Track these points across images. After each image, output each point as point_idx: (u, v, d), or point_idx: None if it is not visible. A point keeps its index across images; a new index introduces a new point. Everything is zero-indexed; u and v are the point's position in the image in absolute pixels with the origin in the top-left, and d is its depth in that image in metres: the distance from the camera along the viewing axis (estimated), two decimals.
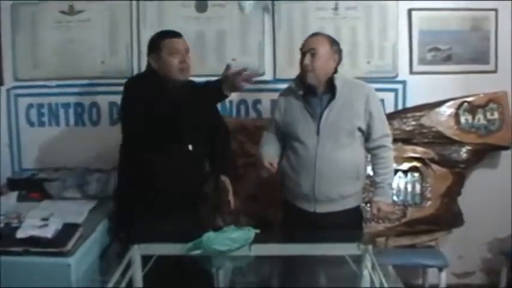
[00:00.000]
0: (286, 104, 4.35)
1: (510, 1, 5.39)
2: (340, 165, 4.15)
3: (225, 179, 4.43)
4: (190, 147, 4.22)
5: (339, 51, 4.29)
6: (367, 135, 4.26)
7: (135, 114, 4.01)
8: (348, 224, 4.22)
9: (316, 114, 4.20)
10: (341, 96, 4.18)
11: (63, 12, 5.45)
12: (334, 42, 4.26)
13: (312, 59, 4.13)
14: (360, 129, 4.21)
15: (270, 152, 4.30)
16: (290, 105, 4.32)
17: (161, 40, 4.14)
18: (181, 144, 4.19)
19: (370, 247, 3.74)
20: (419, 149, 5.33)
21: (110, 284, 3.31)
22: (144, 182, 4.13)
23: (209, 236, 3.70)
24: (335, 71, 4.26)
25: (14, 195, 4.83)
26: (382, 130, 4.27)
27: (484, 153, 5.45)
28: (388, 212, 4.29)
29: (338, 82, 4.19)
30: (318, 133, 4.17)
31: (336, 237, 3.86)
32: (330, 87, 4.21)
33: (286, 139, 4.35)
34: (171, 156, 4.13)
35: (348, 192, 4.25)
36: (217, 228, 3.87)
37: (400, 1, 5.43)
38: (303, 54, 4.19)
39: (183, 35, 4.23)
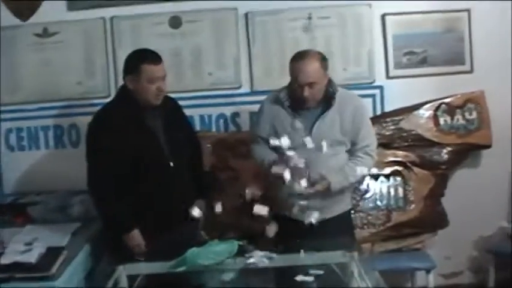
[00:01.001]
0: (274, 114, 4.30)
1: (482, 1, 5.42)
2: (330, 174, 4.13)
3: (200, 203, 4.43)
4: (171, 164, 4.24)
5: (327, 61, 4.25)
6: (352, 144, 4.24)
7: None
8: (339, 229, 4.21)
9: (307, 126, 4.17)
10: (332, 107, 4.18)
11: (37, 34, 5.43)
12: (322, 58, 4.21)
13: (311, 90, 4.08)
14: (348, 139, 4.21)
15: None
16: (278, 116, 4.27)
17: (141, 64, 4.10)
18: (162, 161, 4.22)
19: (355, 254, 3.75)
20: (400, 152, 5.35)
21: None
22: (129, 199, 4.16)
23: (193, 251, 3.70)
24: (329, 82, 4.24)
25: None
26: (367, 140, 4.26)
27: (465, 153, 5.49)
28: (319, 185, 4.11)
29: (336, 95, 4.20)
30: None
31: (322, 245, 3.87)
32: (323, 99, 4.21)
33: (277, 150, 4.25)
34: (153, 174, 4.17)
35: (338, 198, 4.26)
36: (201, 243, 3.89)
37: (373, 7, 5.46)
38: (300, 86, 4.10)
39: (160, 57, 4.21)
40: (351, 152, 4.26)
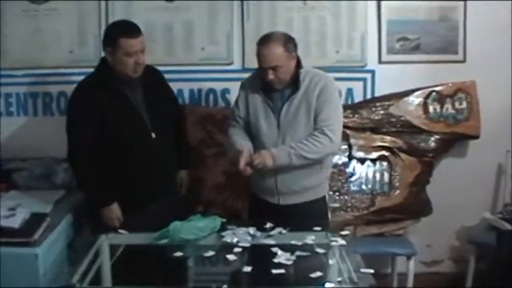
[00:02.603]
0: (248, 96, 4.30)
1: None
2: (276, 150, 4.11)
3: (183, 174, 4.65)
4: (153, 135, 4.27)
5: (295, 45, 4.18)
6: (314, 123, 4.16)
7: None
8: (313, 214, 4.22)
9: (276, 108, 4.18)
10: (300, 89, 4.17)
11: (30, 1, 5.39)
12: (287, 42, 4.13)
13: (275, 73, 4.06)
14: (314, 119, 4.16)
15: (245, 145, 4.20)
16: (252, 98, 4.28)
17: (118, 37, 4.10)
18: (144, 132, 4.24)
19: (338, 235, 3.79)
20: (387, 138, 5.35)
21: (78, 274, 3.29)
22: (111, 172, 4.18)
23: (176, 225, 3.71)
24: (298, 63, 4.22)
25: None
26: (329, 120, 4.12)
27: (452, 143, 5.50)
28: (264, 164, 4.05)
29: (301, 77, 4.17)
30: (278, 127, 4.16)
31: (303, 226, 3.91)
32: (292, 81, 4.19)
33: (251, 132, 4.31)
34: (135, 145, 4.20)
35: (311, 184, 4.25)
36: (184, 216, 3.91)
37: None
38: (264, 70, 4.10)
39: (140, 30, 4.22)
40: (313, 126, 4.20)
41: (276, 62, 4.04)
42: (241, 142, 4.22)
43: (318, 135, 4.07)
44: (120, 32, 4.14)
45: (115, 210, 4.20)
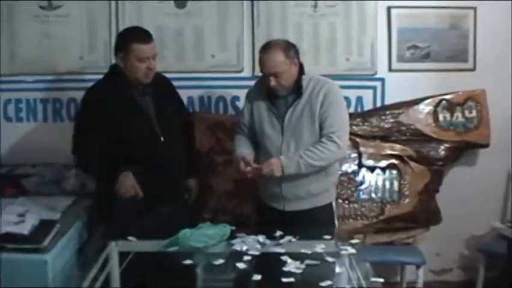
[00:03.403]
0: (253, 103, 4.35)
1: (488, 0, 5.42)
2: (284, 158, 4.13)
3: (192, 183, 4.66)
4: (162, 138, 4.29)
5: (296, 52, 4.23)
6: (320, 129, 4.18)
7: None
8: (319, 221, 4.22)
9: (280, 114, 4.22)
10: (304, 95, 4.20)
11: (41, 7, 5.40)
12: (288, 49, 4.18)
13: (277, 79, 4.11)
14: (320, 125, 4.18)
15: (244, 153, 4.25)
16: (257, 105, 4.32)
17: (131, 43, 4.16)
18: (152, 136, 4.26)
19: (348, 244, 3.77)
20: (397, 146, 5.34)
21: (87, 281, 3.30)
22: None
23: (185, 232, 3.71)
24: (301, 69, 4.26)
25: None
26: (334, 126, 4.15)
27: (462, 151, 5.49)
28: (272, 172, 4.07)
29: (305, 83, 4.20)
30: (282, 132, 4.19)
31: (310, 233, 3.91)
32: (295, 87, 4.22)
33: (256, 139, 4.35)
34: (144, 148, 4.21)
35: (316, 190, 4.25)
36: (192, 222, 3.93)
37: None
38: (266, 77, 4.15)
39: (152, 36, 4.27)
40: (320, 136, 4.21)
41: (276, 69, 4.09)
42: (240, 150, 4.28)
43: (326, 142, 4.09)
44: (133, 37, 4.19)
45: (129, 178, 4.15)
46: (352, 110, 5.37)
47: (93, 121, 4.17)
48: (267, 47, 4.18)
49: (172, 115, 4.41)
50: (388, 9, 5.45)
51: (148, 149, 4.22)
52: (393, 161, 5.33)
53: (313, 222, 4.16)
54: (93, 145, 4.17)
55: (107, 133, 4.14)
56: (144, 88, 4.29)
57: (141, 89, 4.28)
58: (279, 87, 4.15)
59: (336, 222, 4.47)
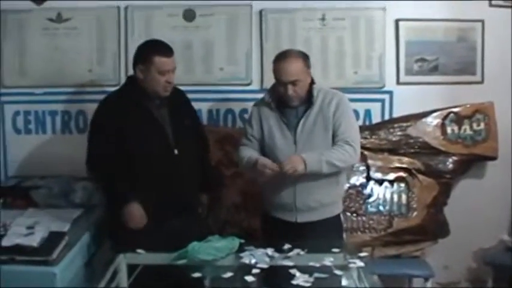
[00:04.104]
0: (262, 115, 4.37)
1: (496, 12, 5.41)
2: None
3: (203, 197, 4.67)
4: (176, 151, 4.28)
5: (309, 61, 4.31)
6: (333, 137, 4.23)
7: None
8: (328, 234, 4.23)
9: (291, 125, 4.25)
10: (315, 105, 4.23)
11: (50, 19, 5.43)
12: (305, 58, 4.28)
13: (294, 87, 4.14)
14: (331, 135, 4.23)
15: (257, 156, 4.26)
16: (266, 117, 4.34)
17: (153, 55, 4.19)
18: (166, 148, 4.27)
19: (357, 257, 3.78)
20: (405, 159, 5.33)
21: None
22: (132, 185, 4.20)
23: (194, 245, 3.72)
24: (311, 80, 4.30)
25: None
26: (347, 132, 4.21)
27: (470, 164, 5.47)
28: (295, 168, 4.04)
29: (314, 93, 4.24)
30: (295, 142, 4.21)
31: (320, 246, 3.91)
32: (306, 98, 4.25)
33: (265, 151, 4.34)
34: (157, 160, 4.22)
35: (327, 200, 4.28)
36: (201, 235, 3.92)
37: (387, 12, 5.45)
38: (284, 84, 4.17)
39: (172, 50, 4.31)
40: (333, 144, 4.24)
41: (297, 76, 4.13)
42: (252, 153, 4.30)
43: (343, 145, 4.15)
44: (155, 50, 4.22)
45: (137, 208, 4.19)
46: (360, 122, 5.36)
47: (108, 132, 4.20)
48: (286, 55, 4.23)
49: (187, 128, 4.43)
50: (396, 22, 5.46)
51: (162, 161, 4.23)
52: (401, 174, 5.33)
53: (323, 234, 4.17)
54: (106, 157, 4.19)
55: (121, 144, 4.16)
56: (161, 100, 4.31)
57: (157, 101, 4.30)
58: (296, 96, 4.18)
59: (344, 234, 4.48)
